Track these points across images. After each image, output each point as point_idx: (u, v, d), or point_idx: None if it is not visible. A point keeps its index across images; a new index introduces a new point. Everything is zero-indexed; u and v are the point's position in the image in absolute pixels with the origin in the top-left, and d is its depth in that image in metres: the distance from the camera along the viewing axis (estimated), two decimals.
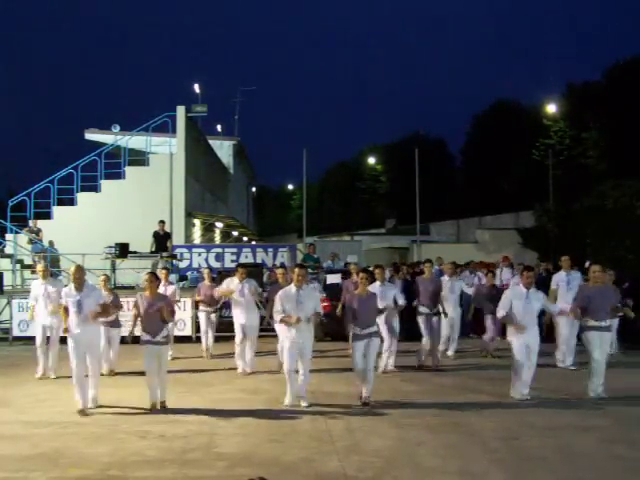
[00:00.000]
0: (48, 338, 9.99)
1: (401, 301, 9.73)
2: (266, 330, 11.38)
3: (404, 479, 5.26)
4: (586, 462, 5.63)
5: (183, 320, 13.61)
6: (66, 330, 7.62)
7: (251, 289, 10.06)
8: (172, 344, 11.68)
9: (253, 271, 13.40)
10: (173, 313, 8.04)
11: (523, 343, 7.87)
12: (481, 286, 12.32)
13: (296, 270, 7.94)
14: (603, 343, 8.16)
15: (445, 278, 11.31)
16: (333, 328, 12.60)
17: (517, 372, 7.96)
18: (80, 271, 7.74)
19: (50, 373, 9.87)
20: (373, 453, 5.85)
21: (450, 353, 11.45)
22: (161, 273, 11.68)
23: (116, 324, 10.13)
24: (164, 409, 7.64)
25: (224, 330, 12.54)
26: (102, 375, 9.71)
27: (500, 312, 8.12)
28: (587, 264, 10.17)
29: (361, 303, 7.82)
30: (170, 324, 10.97)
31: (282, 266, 11.04)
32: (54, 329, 9.85)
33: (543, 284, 10.63)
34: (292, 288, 7.81)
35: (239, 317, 10.06)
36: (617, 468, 5.50)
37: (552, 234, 24.75)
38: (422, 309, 10.30)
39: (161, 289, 10.82)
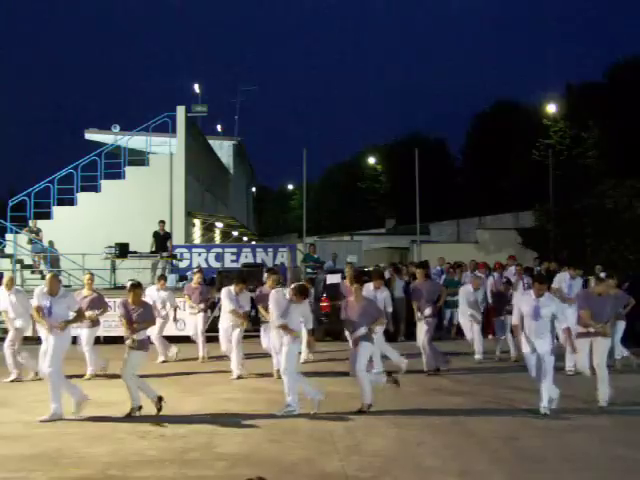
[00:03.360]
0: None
1: (389, 308, 9.92)
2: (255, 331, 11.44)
3: (404, 479, 5.26)
4: (586, 462, 5.64)
5: (183, 320, 13.58)
6: (48, 329, 7.49)
7: (243, 307, 10.09)
8: (167, 346, 11.68)
9: (253, 271, 13.45)
10: (151, 322, 7.98)
11: (531, 351, 7.43)
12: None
13: (292, 287, 7.76)
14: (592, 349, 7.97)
15: (470, 289, 11.46)
16: (333, 328, 12.61)
17: (538, 382, 7.44)
18: (54, 279, 7.71)
19: (13, 375, 9.81)
20: (373, 453, 5.85)
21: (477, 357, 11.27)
22: (159, 282, 11.78)
23: (96, 323, 10.08)
24: (128, 416, 7.30)
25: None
26: (96, 376, 9.84)
27: (514, 320, 7.80)
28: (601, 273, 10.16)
29: (351, 308, 7.86)
30: (158, 326, 11.03)
31: (270, 270, 11.08)
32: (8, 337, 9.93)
33: None
34: (286, 294, 7.70)
35: (226, 325, 10.14)
36: (617, 468, 5.50)
37: (552, 234, 24.73)
38: (417, 314, 10.29)
39: (155, 294, 10.90)
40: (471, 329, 11.31)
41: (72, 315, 7.67)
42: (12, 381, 9.71)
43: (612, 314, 8.07)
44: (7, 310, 9.93)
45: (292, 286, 7.84)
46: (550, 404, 7.25)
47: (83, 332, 9.88)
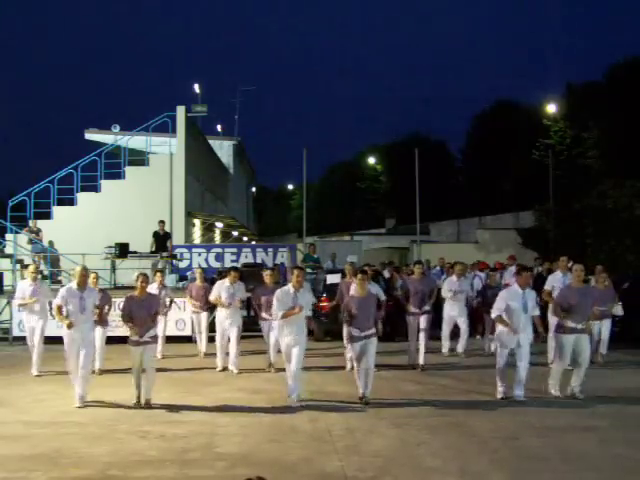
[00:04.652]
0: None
1: (382, 297, 9.96)
2: (251, 330, 11.44)
3: (404, 479, 5.26)
4: (586, 462, 5.63)
5: (183, 320, 13.58)
6: (69, 326, 7.81)
7: (237, 295, 10.20)
8: (164, 343, 11.73)
9: (253, 271, 13.42)
10: (157, 314, 8.20)
11: (516, 346, 7.92)
12: None
13: (295, 272, 7.97)
14: (576, 345, 8.12)
15: (453, 278, 11.73)
16: (333, 328, 12.62)
17: (501, 372, 8.05)
18: (86, 271, 8.16)
19: (33, 371, 10.05)
20: (373, 453, 5.85)
21: (460, 350, 11.62)
22: (157, 277, 11.76)
23: (104, 323, 10.13)
24: (148, 407, 7.72)
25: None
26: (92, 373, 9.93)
27: (495, 313, 8.10)
28: (570, 264, 10.17)
29: (359, 304, 7.84)
30: (161, 324, 11.15)
31: (268, 267, 11.14)
32: (37, 329, 10.16)
33: (542, 284, 10.64)
34: (290, 289, 7.82)
35: (222, 319, 10.22)
36: (617, 468, 5.50)
37: (552, 234, 24.73)
38: (410, 309, 10.39)
39: (155, 291, 10.92)
40: (449, 323, 11.66)
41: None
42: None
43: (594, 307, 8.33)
44: (29, 302, 10.07)
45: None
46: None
47: (96, 331, 9.95)
